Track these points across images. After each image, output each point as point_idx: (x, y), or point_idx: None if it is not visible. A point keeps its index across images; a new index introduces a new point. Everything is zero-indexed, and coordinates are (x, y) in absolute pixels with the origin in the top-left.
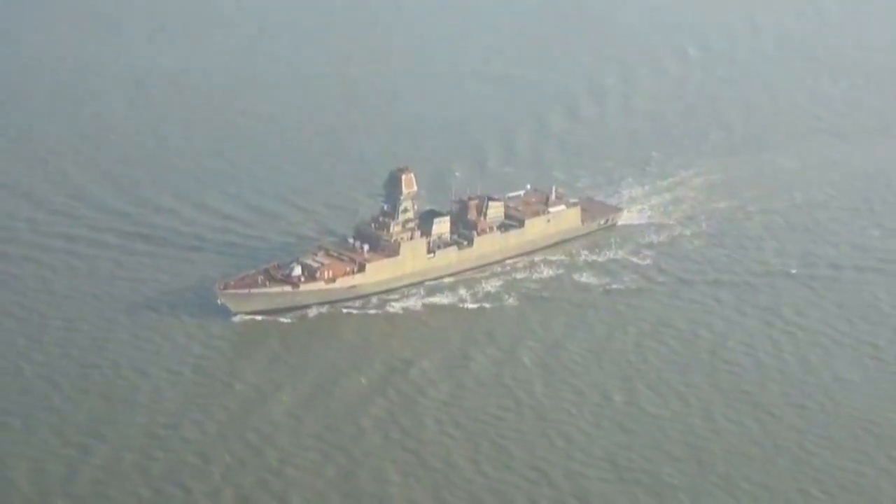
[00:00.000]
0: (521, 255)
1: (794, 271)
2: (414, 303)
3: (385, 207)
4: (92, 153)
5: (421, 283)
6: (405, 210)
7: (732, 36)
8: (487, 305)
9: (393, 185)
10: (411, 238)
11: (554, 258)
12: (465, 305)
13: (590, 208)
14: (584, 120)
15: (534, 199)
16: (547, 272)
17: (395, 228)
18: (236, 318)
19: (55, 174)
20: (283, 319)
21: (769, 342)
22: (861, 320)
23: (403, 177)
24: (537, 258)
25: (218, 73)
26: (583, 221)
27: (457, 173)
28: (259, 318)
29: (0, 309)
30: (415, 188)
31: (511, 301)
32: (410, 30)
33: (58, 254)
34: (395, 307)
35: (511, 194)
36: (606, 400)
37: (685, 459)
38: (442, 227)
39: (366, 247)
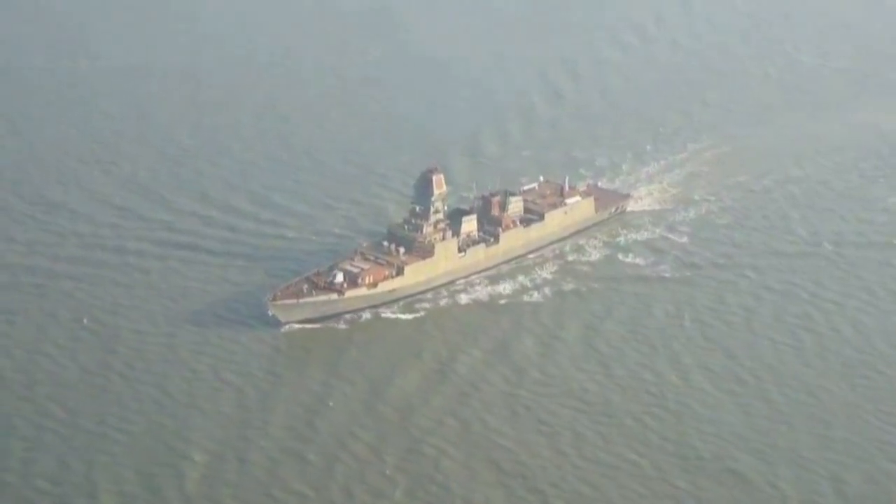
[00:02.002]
0: (542, 247)
1: (827, 248)
2: (456, 300)
3: (417, 209)
4: (111, 157)
5: (453, 282)
6: (436, 210)
7: (687, 7)
8: (531, 298)
9: (424, 187)
10: (443, 238)
11: (584, 246)
12: (516, 299)
13: (600, 196)
14: (566, 103)
15: (549, 191)
16: (578, 263)
17: (427, 229)
18: (285, 329)
19: (85, 182)
20: (333, 325)
21: (808, 319)
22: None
23: (434, 178)
24: (558, 250)
25: (212, 71)
26: (596, 210)
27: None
28: (308, 325)
29: (76, 323)
30: (445, 188)
31: (555, 291)
32: (388, 18)
33: (114, 268)
34: (440, 304)
35: (525, 187)
36: (665, 383)
37: (756, 442)
38: (470, 225)
39: (401, 249)
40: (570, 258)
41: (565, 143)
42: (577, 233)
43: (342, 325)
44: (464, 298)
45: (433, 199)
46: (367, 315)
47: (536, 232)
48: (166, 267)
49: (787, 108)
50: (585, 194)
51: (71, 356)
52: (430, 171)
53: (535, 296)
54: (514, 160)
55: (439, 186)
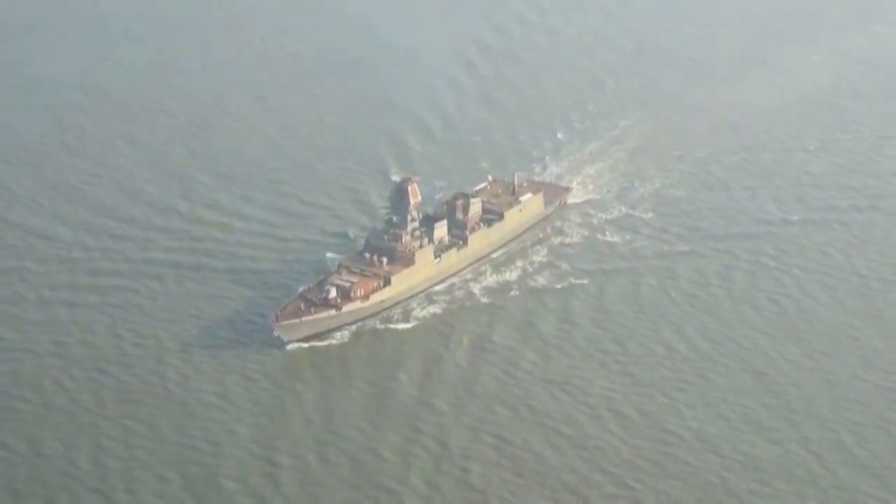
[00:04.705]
0: (503, 245)
1: (786, 218)
2: (442, 303)
3: (394, 219)
4: (69, 177)
5: (429, 288)
6: (413, 219)
7: None
8: (514, 293)
9: (400, 197)
10: (421, 246)
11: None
12: (505, 295)
13: (545, 191)
14: (473, 97)
15: (500, 190)
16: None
17: (406, 238)
18: (290, 347)
19: (55, 205)
20: (333, 338)
21: (779, 286)
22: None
23: (409, 187)
24: (519, 246)
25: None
26: (545, 205)
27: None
28: (310, 343)
29: (110, 346)
30: (419, 197)
31: (539, 284)
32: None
33: (106, 292)
34: (428, 309)
35: (477, 187)
36: (673, 352)
37: (771, 400)
38: (441, 230)
39: (384, 259)
40: (545, 248)
41: (492, 137)
42: (530, 229)
43: (343, 338)
44: (449, 300)
45: (410, 208)
46: (362, 327)
47: (498, 231)
48: (157, 288)
49: (693, 80)
50: (534, 190)
51: (129, 373)
52: (406, 181)
53: (517, 291)
54: (450, 158)
55: (415, 196)
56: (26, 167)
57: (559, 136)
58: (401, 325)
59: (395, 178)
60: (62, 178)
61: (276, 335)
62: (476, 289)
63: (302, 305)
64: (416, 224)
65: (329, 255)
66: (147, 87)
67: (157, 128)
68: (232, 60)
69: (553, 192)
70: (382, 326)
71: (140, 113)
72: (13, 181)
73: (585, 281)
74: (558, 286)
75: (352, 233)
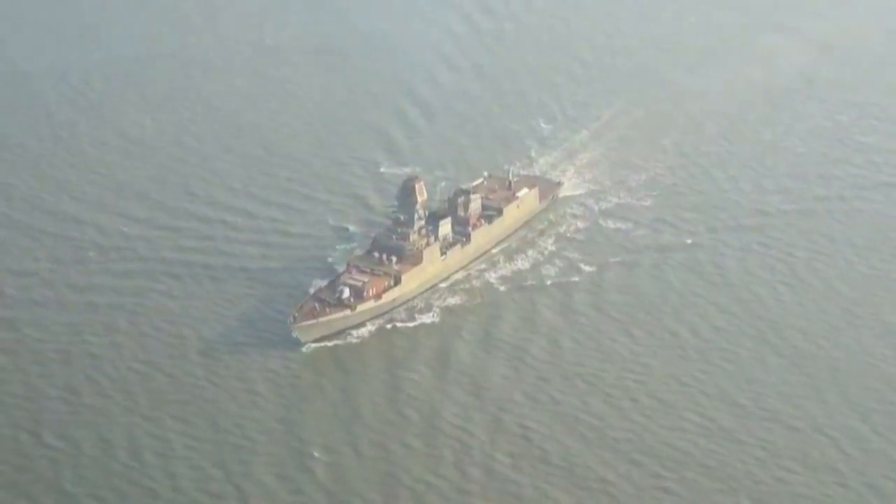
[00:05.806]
0: (502, 241)
1: (782, 208)
2: (450, 299)
3: (402, 218)
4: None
5: (436, 285)
6: (420, 218)
7: None
8: (525, 286)
9: (407, 196)
10: (428, 244)
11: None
12: (511, 289)
13: (538, 186)
14: (447, 92)
15: (496, 186)
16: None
17: (413, 237)
18: (307, 347)
19: (63, 205)
20: (347, 338)
21: (769, 272)
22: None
23: (416, 186)
24: (519, 240)
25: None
26: (539, 200)
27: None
28: (326, 343)
29: (119, 355)
30: (426, 195)
31: (543, 277)
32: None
33: (126, 292)
34: (437, 307)
35: (473, 183)
36: (682, 340)
37: (782, 388)
38: (446, 228)
39: (393, 258)
40: (547, 242)
41: (480, 130)
42: (526, 223)
43: (360, 335)
44: (464, 294)
45: (417, 206)
46: (375, 323)
47: (498, 227)
48: (175, 287)
49: (668, 70)
50: (529, 185)
51: (158, 371)
52: (413, 180)
53: (532, 281)
54: (441, 151)
55: (421, 194)
56: (24, 164)
57: (544, 126)
58: (415, 321)
59: (383, 170)
60: (62, 176)
61: (295, 336)
62: (490, 281)
63: (317, 306)
64: (423, 222)
65: (339, 247)
66: (132, 82)
67: (146, 123)
68: (215, 53)
69: (546, 187)
70: (397, 323)
71: (128, 108)
72: (13, 178)
73: (592, 268)
74: (565, 279)
75: (352, 227)
